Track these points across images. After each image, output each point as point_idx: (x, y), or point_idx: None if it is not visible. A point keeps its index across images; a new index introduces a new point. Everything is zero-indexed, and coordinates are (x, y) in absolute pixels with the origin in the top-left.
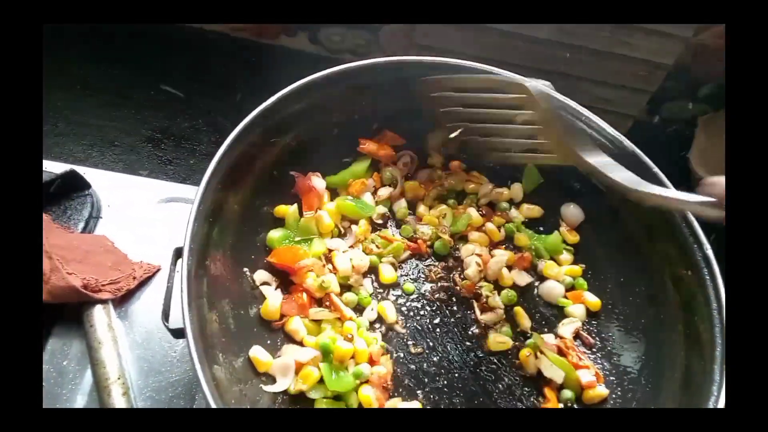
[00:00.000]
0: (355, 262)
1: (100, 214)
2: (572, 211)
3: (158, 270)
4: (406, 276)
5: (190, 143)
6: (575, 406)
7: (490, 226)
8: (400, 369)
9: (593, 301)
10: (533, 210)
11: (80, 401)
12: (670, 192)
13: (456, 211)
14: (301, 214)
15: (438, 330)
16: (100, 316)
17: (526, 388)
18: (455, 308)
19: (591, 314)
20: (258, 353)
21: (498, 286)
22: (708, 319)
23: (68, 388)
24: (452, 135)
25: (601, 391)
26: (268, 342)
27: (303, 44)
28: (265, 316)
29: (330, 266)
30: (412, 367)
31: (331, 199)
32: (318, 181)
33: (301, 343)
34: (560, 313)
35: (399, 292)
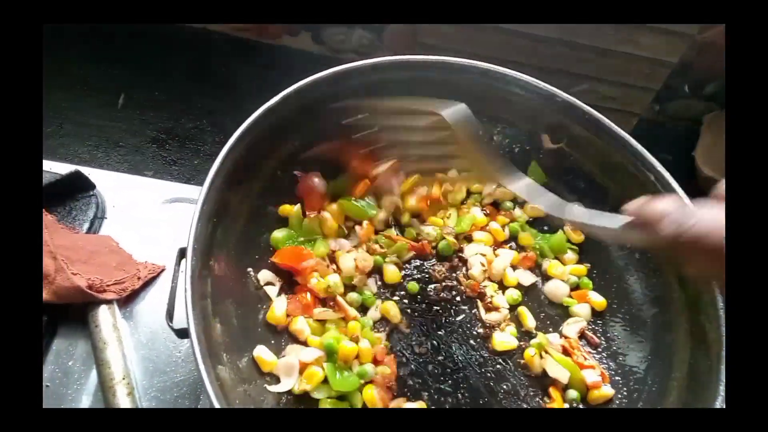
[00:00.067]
0: (359, 262)
1: (104, 215)
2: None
3: (163, 270)
4: (410, 276)
5: (194, 143)
6: (580, 406)
7: (494, 225)
8: (404, 369)
9: (598, 300)
10: (537, 209)
11: (85, 401)
12: (592, 216)
13: (460, 210)
14: (304, 215)
15: (442, 330)
16: (105, 317)
17: (531, 388)
18: (460, 308)
19: (596, 314)
20: (262, 353)
21: (502, 286)
22: (714, 318)
23: (73, 388)
24: (382, 168)
25: (607, 391)
26: (272, 342)
27: (306, 44)
28: (270, 321)
29: (334, 266)
30: (417, 367)
31: (335, 201)
32: (319, 182)
33: (305, 343)
34: (565, 312)
35: (403, 292)
